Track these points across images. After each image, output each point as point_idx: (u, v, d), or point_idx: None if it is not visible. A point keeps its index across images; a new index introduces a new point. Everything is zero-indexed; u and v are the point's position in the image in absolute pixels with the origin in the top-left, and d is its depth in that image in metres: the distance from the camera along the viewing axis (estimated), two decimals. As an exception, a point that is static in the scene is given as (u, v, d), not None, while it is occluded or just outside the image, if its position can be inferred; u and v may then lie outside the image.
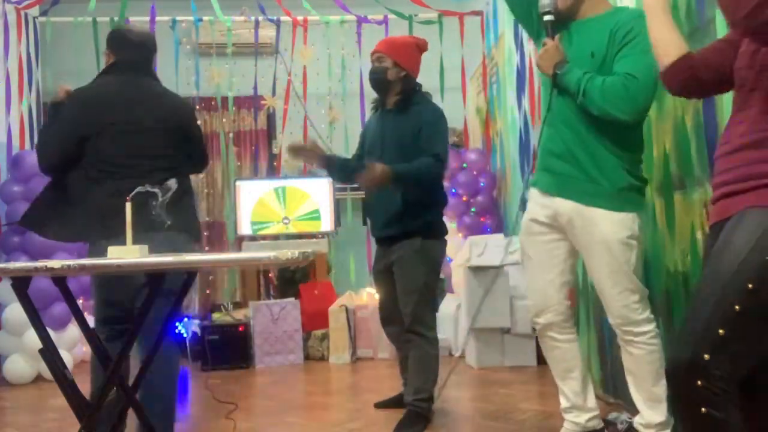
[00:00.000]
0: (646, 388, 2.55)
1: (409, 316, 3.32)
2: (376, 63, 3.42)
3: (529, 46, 5.02)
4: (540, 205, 2.70)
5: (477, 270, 4.80)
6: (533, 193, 2.77)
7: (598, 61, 2.50)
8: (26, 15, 6.28)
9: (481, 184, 6.04)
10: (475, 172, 6.05)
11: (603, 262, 2.53)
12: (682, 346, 1.61)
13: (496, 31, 6.08)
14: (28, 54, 6.32)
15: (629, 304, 2.52)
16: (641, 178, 2.63)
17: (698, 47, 2.56)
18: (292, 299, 5.53)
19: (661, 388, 2.51)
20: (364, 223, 6.21)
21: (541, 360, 4.75)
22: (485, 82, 6.49)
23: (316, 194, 6.17)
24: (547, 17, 2.50)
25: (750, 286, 1.53)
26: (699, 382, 1.54)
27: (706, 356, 1.54)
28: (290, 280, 6.01)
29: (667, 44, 1.87)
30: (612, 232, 2.51)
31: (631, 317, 2.53)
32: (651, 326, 2.56)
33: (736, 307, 1.53)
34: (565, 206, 2.60)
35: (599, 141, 2.53)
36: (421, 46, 3.49)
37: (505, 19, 5.69)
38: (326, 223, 6.16)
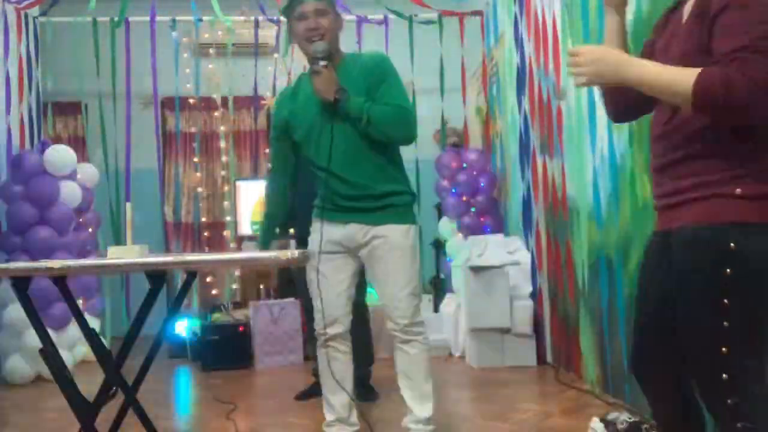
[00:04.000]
0: (418, 387, 2.81)
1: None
2: None
3: (528, 47, 5.02)
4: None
5: (477, 270, 4.80)
6: None
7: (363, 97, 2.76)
8: (26, 15, 6.27)
9: (481, 184, 6.03)
10: (475, 172, 6.05)
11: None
12: (711, 397, 1.63)
13: (496, 31, 6.08)
14: (28, 54, 6.32)
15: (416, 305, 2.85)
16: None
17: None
18: (292, 299, 5.52)
19: (430, 386, 2.83)
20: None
21: (541, 360, 4.76)
22: (485, 82, 6.49)
23: (316, 194, 6.17)
24: (322, 63, 2.72)
25: (726, 301, 1.57)
26: (729, 401, 1.57)
27: (725, 376, 1.57)
28: (290, 280, 6.01)
29: (683, 74, 1.61)
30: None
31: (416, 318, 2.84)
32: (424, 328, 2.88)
33: (725, 323, 1.57)
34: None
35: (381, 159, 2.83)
36: None
37: (505, 19, 5.69)
38: (326, 223, 6.14)
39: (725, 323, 1.56)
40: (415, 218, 2.88)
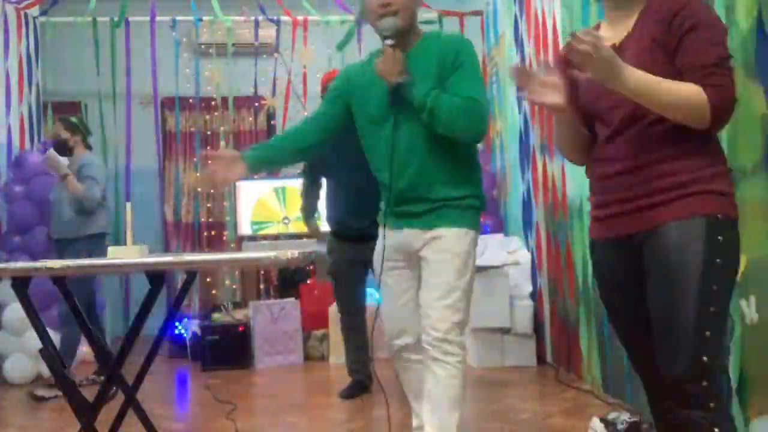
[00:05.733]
0: (439, 416, 2.44)
1: None
2: None
3: (528, 46, 5.02)
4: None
5: (477, 270, 4.78)
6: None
7: (433, 85, 2.44)
8: (26, 15, 6.27)
9: (481, 184, 6.04)
10: (475, 172, 6.05)
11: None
12: (676, 359, 1.71)
13: (496, 31, 6.08)
14: (28, 54, 6.32)
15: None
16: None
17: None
18: (292, 299, 5.52)
19: (455, 419, 2.43)
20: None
21: (541, 360, 4.76)
22: (485, 82, 6.49)
23: (316, 194, 6.16)
24: (388, 41, 2.42)
25: (715, 287, 1.71)
26: (704, 383, 1.67)
27: (705, 358, 1.68)
28: (290, 280, 6.01)
29: (686, 93, 1.73)
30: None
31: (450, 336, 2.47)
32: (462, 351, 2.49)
33: (712, 308, 1.70)
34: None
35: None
36: None
37: (505, 19, 5.69)
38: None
39: (712, 308, 1.70)
40: (476, 224, 2.55)
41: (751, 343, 2.31)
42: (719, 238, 1.72)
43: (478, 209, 2.54)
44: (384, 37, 2.42)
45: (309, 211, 4.46)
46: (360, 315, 4.19)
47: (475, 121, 2.41)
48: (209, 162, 2.59)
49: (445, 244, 2.46)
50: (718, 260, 1.71)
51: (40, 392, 4.29)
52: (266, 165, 2.74)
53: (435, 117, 2.39)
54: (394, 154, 2.43)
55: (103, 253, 3.01)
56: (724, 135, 2.41)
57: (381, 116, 2.48)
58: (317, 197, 4.42)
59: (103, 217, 4.72)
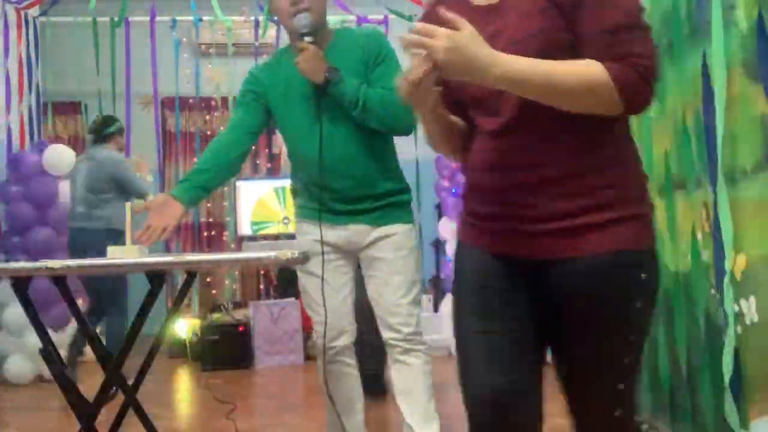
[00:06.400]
0: (421, 404, 2.51)
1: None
2: None
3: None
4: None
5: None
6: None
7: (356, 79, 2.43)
8: (26, 15, 6.27)
9: (481, 184, 6.03)
10: (475, 172, 6.05)
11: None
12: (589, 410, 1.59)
13: (496, 31, 6.08)
14: (28, 54, 6.31)
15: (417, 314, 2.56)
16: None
17: (698, 48, 2.57)
18: (292, 299, 5.52)
19: (433, 405, 2.53)
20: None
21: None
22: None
23: (316, 194, 6.17)
24: (307, 38, 2.35)
25: (632, 337, 1.48)
26: (617, 413, 1.51)
27: (617, 413, 1.52)
28: (290, 280, 6.01)
29: (586, 74, 1.36)
30: None
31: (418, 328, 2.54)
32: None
33: (626, 360, 1.49)
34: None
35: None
36: None
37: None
38: (326, 223, 6.14)
39: (632, 338, 1.47)
40: (413, 217, 2.61)
41: (751, 343, 2.31)
42: (643, 276, 1.43)
43: (410, 203, 2.62)
44: (301, 35, 2.35)
45: None
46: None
47: (407, 112, 2.22)
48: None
49: (398, 242, 2.51)
50: (638, 305, 1.43)
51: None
52: (204, 194, 2.50)
53: (368, 111, 2.37)
54: (326, 153, 2.39)
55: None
56: (722, 135, 2.42)
57: (306, 115, 2.44)
58: None
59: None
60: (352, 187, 2.48)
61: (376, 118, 2.40)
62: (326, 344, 2.53)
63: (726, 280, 2.37)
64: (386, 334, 2.52)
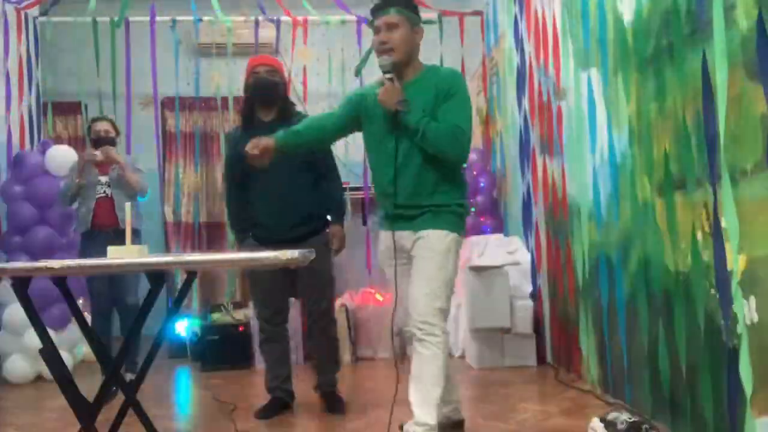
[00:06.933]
0: (424, 389, 2.78)
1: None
2: (268, 76, 3.74)
3: (528, 46, 5.02)
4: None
5: (477, 270, 4.80)
6: None
7: (428, 113, 2.88)
8: (26, 15, 6.27)
9: (481, 184, 6.04)
10: (475, 172, 6.05)
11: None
12: None
13: (496, 31, 6.08)
14: (28, 54, 6.32)
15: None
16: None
17: (698, 48, 2.57)
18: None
19: (437, 394, 2.78)
20: (364, 223, 6.21)
21: (541, 360, 4.76)
22: (485, 82, 6.49)
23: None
24: (387, 75, 2.88)
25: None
26: None
27: None
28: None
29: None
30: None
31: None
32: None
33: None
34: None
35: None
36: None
37: (505, 19, 5.70)
38: (326, 223, 6.14)
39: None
40: (458, 228, 2.93)
41: (751, 343, 2.31)
42: None
43: (461, 215, 2.98)
44: (383, 72, 2.89)
45: (243, 220, 3.80)
46: (280, 324, 3.83)
47: (458, 145, 2.87)
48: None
49: (428, 243, 2.88)
50: None
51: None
52: (291, 148, 3.08)
53: (425, 140, 2.84)
54: (397, 168, 2.89)
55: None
56: (723, 135, 2.42)
57: (383, 135, 2.94)
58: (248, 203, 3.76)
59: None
60: (407, 196, 2.92)
61: (431, 147, 2.86)
62: (403, 330, 3.00)
63: (734, 281, 2.37)
64: (408, 323, 2.88)
